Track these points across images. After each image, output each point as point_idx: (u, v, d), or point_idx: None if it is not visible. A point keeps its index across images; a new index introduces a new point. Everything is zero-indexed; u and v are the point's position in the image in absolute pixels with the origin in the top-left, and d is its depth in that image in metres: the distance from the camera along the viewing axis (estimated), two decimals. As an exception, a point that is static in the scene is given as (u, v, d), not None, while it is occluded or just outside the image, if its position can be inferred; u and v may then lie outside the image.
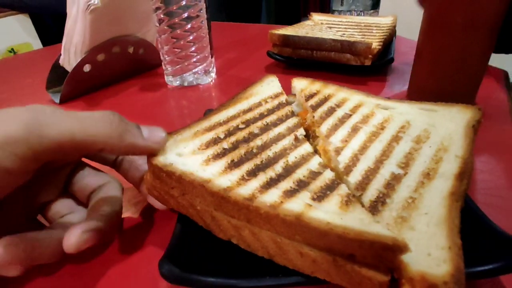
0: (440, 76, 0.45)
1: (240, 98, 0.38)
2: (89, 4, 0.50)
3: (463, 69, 0.44)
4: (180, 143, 0.29)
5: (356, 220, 0.20)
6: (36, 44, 1.65)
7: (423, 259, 0.19)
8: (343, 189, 0.24)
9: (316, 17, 0.78)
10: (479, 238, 0.23)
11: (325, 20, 0.75)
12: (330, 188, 0.24)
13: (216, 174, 0.25)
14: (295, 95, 0.41)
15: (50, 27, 1.69)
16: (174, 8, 0.55)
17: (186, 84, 0.63)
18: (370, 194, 0.24)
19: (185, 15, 0.56)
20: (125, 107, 0.57)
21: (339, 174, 0.27)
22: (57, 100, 0.59)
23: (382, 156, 0.28)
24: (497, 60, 0.62)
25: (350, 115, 0.34)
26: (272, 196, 0.23)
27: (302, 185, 0.24)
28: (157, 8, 0.56)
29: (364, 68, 0.60)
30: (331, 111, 0.35)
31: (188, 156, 0.28)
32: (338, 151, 0.29)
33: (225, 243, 0.25)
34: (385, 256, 0.18)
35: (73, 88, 0.59)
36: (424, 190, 0.24)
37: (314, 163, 0.27)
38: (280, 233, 0.22)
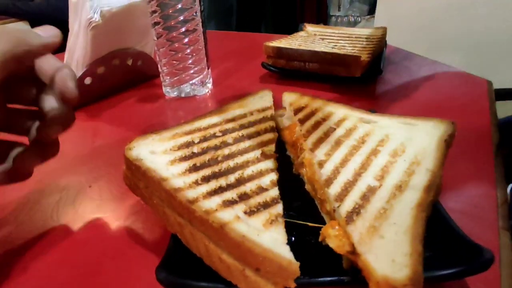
0: None
1: (228, 108, 0.40)
2: (91, 21, 0.53)
3: None
4: (157, 142, 0.32)
5: (270, 239, 0.22)
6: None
7: (388, 264, 0.21)
8: (277, 209, 0.25)
9: (310, 28, 0.80)
10: (448, 244, 0.26)
11: (318, 31, 0.78)
12: (266, 205, 0.26)
13: (176, 175, 0.28)
14: (285, 108, 0.44)
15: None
16: (172, 23, 0.58)
17: (183, 95, 0.65)
18: (347, 205, 0.26)
19: (183, 29, 0.58)
20: (124, 117, 0.59)
21: (321, 186, 0.30)
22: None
23: (361, 169, 0.30)
24: (485, 70, 0.64)
25: (335, 129, 0.36)
26: (211, 203, 0.25)
27: (243, 198, 0.26)
28: (156, 23, 0.58)
29: (355, 79, 0.62)
30: (317, 124, 0.37)
31: (159, 154, 0.31)
32: (321, 164, 0.31)
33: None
34: (281, 274, 0.21)
35: (75, 99, 0.61)
36: (395, 201, 0.26)
37: (267, 180, 0.28)
38: (209, 237, 0.24)
